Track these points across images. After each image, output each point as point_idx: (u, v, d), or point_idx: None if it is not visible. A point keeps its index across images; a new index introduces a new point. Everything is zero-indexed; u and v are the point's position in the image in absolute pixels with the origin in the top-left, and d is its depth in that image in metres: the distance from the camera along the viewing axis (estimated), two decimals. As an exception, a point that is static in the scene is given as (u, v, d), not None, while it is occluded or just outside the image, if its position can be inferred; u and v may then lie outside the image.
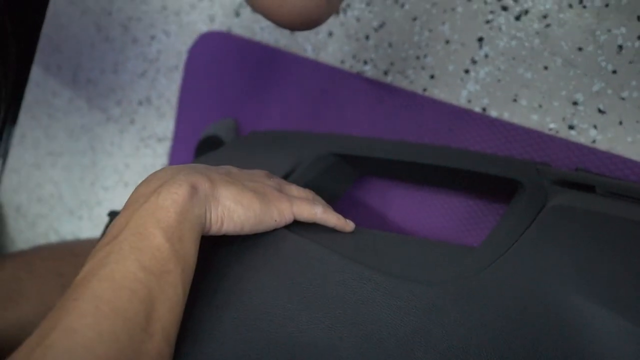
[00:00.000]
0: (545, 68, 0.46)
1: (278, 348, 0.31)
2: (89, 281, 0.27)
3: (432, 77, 0.52)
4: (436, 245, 0.38)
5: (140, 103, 0.81)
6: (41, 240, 1.00)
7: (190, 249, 0.31)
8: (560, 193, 0.39)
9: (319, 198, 0.41)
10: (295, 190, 0.40)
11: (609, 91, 0.43)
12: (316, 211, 0.37)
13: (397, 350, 0.30)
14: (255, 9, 0.38)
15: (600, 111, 0.44)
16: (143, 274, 0.28)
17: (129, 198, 0.33)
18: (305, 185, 0.46)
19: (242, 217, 0.34)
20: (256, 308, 0.33)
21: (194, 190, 0.32)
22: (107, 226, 0.51)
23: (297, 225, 0.38)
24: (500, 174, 0.42)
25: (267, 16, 0.37)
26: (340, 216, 0.39)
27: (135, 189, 0.34)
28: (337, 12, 0.58)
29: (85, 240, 0.68)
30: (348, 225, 0.39)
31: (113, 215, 0.50)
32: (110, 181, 0.89)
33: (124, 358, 0.25)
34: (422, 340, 0.30)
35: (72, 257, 0.62)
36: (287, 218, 0.36)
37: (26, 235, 1.05)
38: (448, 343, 0.30)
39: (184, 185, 0.32)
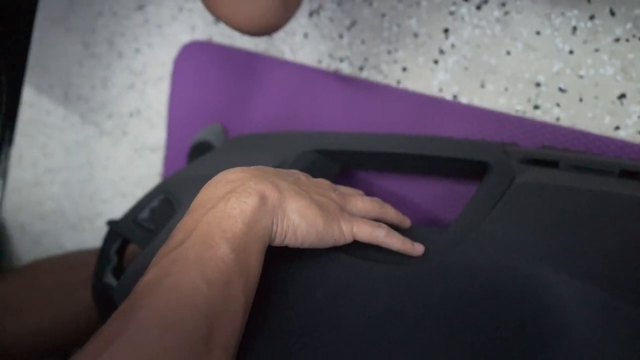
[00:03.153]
0: (508, 53, 0.49)
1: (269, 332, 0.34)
2: (155, 289, 0.27)
3: (404, 69, 0.55)
4: (411, 229, 0.40)
5: (130, 115, 0.84)
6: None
7: (255, 260, 0.31)
8: (526, 171, 0.42)
9: (388, 209, 0.40)
10: (360, 202, 0.39)
11: (568, 71, 0.46)
12: (377, 234, 0.36)
13: (370, 328, 0.33)
14: (216, 17, 0.40)
15: (561, 90, 0.46)
16: (206, 286, 0.28)
17: (197, 199, 0.33)
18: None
19: (305, 233, 0.33)
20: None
21: (262, 200, 0.32)
22: (107, 237, 0.54)
23: None
24: (470, 157, 0.44)
25: (228, 24, 0.40)
26: (405, 240, 0.37)
27: (204, 189, 0.34)
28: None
29: (85, 251, 0.71)
30: (415, 249, 0.37)
31: (112, 224, 0.53)
32: (108, 193, 0.91)
33: None
34: (393, 318, 0.33)
35: (74, 268, 0.65)
36: (347, 239, 0.36)
37: (31, 252, 1.07)
38: (417, 320, 0.33)
39: (254, 194, 0.32)
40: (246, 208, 0.31)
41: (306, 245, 0.34)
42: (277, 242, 0.33)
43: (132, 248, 0.65)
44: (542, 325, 0.32)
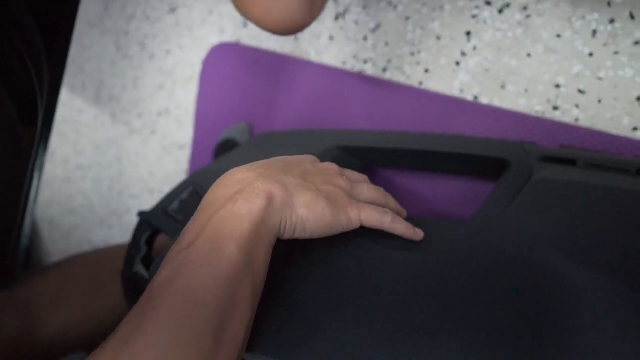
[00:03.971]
0: (529, 55, 0.50)
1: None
2: (166, 290, 0.29)
3: (426, 71, 0.56)
4: (432, 221, 0.42)
5: (160, 114, 0.87)
6: (75, 250, 1.07)
7: (262, 259, 0.32)
8: (544, 168, 0.43)
9: (389, 199, 0.41)
10: (366, 189, 0.40)
11: (587, 73, 0.47)
12: (384, 220, 0.37)
13: (396, 312, 0.34)
14: (246, 17, 0.42)
15: (580, 92, 0.48)
16: (215, 286, 0.30)
17: (206, 198, 0.35)
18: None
19: (313, 226, 0.35)
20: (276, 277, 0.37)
21: (269, 200, 0.33)
22: (138, 227, 0.56)
23: None
24: (490, 155, 0.46)
25: (257, 24, 0.42)
26: (409, 225, 0.39)
27: (213, 189, 0.35)
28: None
29: (116, 247, 0.74)
30: (417, 234, 0.38)
31: (143, 215, 0.55)
32: (137, 189, 0.94)
33: None
34: (417, 300, 0.34)
35: (106, 262, 0.67)
36: (355, 225, 0.37)
37: (60, 245, 1.11)
38: (438, 303, 0.34)
39: (261, 195, 0.33)
40: (254, 209, 0.32)
41: (315, 235, 0.36)
42: (287, 236, 0.35)
43: (161, 239, 0.68)
44: (558, 312, 0.34)
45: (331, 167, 0.41)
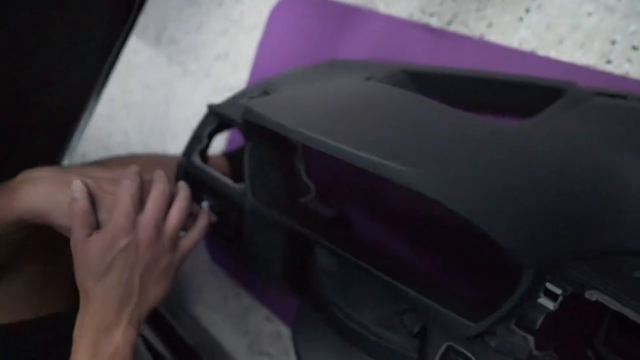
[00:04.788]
0: (589, 14, 0.55)
1: None
2: None
3: (489, 25, 0.61)
4: (486, 122, 0.45)
5: (217, 58, 0.92)
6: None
7: None
8: (596, 98, 0.47)
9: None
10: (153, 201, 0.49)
11: (643, 31, 0.52)
12: (201, 233, 0.54)
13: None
14: None
15: (634, 48, 0.52)
16: None
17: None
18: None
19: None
20: None
21: None
22: (204, 119, 0.60)
23: None
24: (548, 85, 0.50)
25: None
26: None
27: None
28: None
29: (167, 155, 0.77)
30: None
31: (212, 107, 0.59)
32: (179, 130, 0.98)
33: None
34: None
35: (157, 166, 0.71)
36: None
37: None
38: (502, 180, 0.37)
39: None
40: None
41: None
42: None
43: (212, 160, 0.71)
44: (610, 196, 0.37)
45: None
